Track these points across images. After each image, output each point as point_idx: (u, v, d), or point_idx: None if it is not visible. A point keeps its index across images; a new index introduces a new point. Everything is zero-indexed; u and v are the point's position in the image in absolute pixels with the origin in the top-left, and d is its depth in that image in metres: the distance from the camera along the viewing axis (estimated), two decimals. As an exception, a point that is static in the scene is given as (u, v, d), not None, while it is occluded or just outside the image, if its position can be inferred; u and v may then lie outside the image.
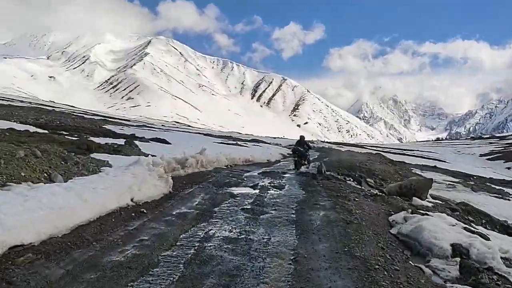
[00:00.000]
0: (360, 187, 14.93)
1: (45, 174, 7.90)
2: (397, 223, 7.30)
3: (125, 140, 14.68)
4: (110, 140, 15.14)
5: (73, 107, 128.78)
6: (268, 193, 10.57)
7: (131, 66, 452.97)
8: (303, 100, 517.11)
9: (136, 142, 18.10)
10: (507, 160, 65.60)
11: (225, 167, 17.11)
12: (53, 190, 6.71)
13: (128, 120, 66.32)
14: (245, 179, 13.46)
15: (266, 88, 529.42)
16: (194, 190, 10.29)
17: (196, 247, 5.86)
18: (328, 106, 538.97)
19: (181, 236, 6.36)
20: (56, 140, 12.09)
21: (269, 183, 12.57)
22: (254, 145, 35.18)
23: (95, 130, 20.24)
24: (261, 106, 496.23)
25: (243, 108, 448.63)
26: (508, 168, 59.16)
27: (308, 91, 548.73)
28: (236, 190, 10.83)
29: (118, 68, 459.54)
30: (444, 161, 58.67)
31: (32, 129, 16.42)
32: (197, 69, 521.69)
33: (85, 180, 7.93)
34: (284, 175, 15.22)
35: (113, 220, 6.83)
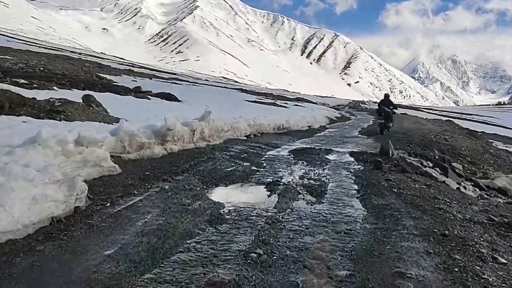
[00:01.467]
0: (455, 185, 9.48)
1: None
2: None
3: (84, 95, 9.83)
4: (74, 94, 10.35)
5: (122, 58, 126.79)
6: (293, 209, 5.31)
7: (181, 20, 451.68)
8: (355, 58, 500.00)
9: (127, 97, 13.19)
10: None
11: (244, 138, 11.97)
12: None
13: (165, 72, 61.92)
14: (263, 165, 8.24)
15: (316, 45, 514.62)
16: (146, 200, 5.17)
17: None
18: (381, 64, 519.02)
19: None
20: None
21: (301, 177, 7.30)
22: (296, 105, 29.55)
23: (80, 79, 15.44)
24: (311, 63, 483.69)
25: (292, 65, 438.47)
26: None
27: (360, 48, 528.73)
28: (232, 198, 5.65)
29: (169, 21, 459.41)
30: (507, 127, 51.39)
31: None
32: (247, 23, 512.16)
33: None
34: (329, 158, 9.82)
35: None
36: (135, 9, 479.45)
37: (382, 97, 18.72)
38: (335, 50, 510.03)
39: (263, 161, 8.61)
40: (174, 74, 72.74)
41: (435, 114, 61.73)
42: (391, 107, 17.89)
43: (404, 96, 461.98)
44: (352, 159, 9.82)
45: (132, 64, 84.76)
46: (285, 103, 29.61)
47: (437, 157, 12.45)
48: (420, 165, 10.63)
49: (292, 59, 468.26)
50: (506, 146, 24.46)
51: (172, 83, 29.47)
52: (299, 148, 11.03)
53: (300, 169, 8.03)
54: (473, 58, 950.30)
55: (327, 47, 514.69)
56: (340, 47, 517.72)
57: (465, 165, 12.92)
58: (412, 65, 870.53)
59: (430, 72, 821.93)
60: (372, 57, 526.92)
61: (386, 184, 6.98)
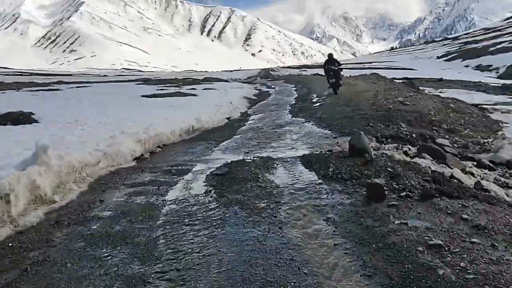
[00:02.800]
0: (469, 179, 5.93)
1: None
2: None
3: None
4: None
5: (6, 68, 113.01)
6: None
7: (68, 18, 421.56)
8: (254, 29, 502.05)
9: None
10: (464, 58, 64.86)
11: (130, 166, 7.45)
12: None
13: (51, 75, 53.54)
14: (149, 249, 3.89)
15: (215, 22, 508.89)
16: None
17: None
18: (280, 31, 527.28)
19: None
20: None
21: None
22: (206, 89, 24.96)
23: None
24: (212, 40, 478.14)
25: (194, 46, 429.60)
26: (466, 66, 58.58)
27: (258, 19, 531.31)
28: None
29: (54, 22, 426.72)
30: (412, 69, 51.88)
31: None
32: (139, 12, 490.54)
33: None
34: (275, 180, 5.64)
35: None
36: (13, 15, 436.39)
37: (326, 57, 18.58)
38: (234, 25, 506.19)
39: (151, 237, 4.21)
40: (66, 75, 64.35)
41: (347, 68, 60.30)
42: (337, 65, 17.57)
43: (307, 57, 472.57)
44: (314, 176, 5.75)
45: (21, 72, 74.49)
46: (192, 88, 24.91)
47: (414, 135, 8.88)
48: (407, 157, 6.92)
49: (193, 39, 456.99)
50: (440, 92, 22.05)
51: (49, 90, 23.41)
52: (221, 167, 6.70)
53: (233, 242, 3.83)
54: (363, 12, 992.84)
55: (225, 23, 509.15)
56: (238, 21, 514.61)
57: (446, 136, 9.52)
58: (309, 27, 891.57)
59: (326, 31, 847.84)
60: (270, 26, 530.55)
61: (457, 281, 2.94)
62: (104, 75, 76.11)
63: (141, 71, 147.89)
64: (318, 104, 15.23)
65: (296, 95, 20.98)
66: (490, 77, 42.75)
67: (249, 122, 13.20)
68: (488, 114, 13.76)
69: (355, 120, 10.45)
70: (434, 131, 9.70)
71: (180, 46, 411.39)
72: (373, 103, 12.45)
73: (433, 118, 10.44)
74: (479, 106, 15.60)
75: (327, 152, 7.23)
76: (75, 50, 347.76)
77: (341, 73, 18.17)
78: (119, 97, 18.66)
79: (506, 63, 47.34)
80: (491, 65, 51.58)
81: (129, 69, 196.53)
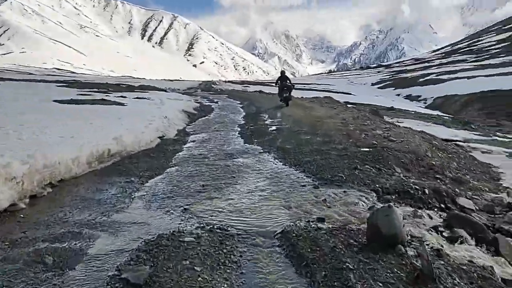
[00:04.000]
0: None
1: None
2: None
3: None
4: None
5: None
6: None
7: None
8: (197, 38, 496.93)
9: None
10: (396, 87, 67.03)
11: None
12: None
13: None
14: None
15: (156, 27, 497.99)
16: None
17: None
18: (223, 44, 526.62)
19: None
20: None
21: None
22: (139, 98, 21.42)
23: None
24: (153, 46, 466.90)
25: (134, 50, 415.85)
26: (398, 95, 59.73)
27: (201, 28, 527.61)
28: None
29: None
30: (350, 93, 52.08)
31: None
32: (76, 8, 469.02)
33: None
34: None
35: None
36: None
37: (279, 74, 20.46)
38: (176, 31, 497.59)
39: None
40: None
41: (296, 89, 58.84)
42: (288, 81, 19.78)
43: (248, 73, 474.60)
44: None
45: None
46: (122, 96, 21.30)
47: (426, 190, 6.28)
48: (454, 248, 4.31)
49: (133, 43, 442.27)
50: (397, 121, 20.30)
51: None
52: (139, 260, 3.61)
53: None
54: (303, 32, 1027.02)
55: (168, 29, 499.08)
56: (180, 28, 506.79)
57: (456, 189, 7.08)
58: (251, 42, 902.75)
59: (268, 48, 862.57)
60: (213, 37, 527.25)
61: None
62: (30, 74, 69.27)
63: (75, 72, 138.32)
64: (274, 127, 12.45)
65: (244, 114, 18.16)
66: (420, 106, 43.85)
67: (188, 145, 10.12)
68: (468, 153, 11.80)
69: (333, 158, 7.77)
70: (439, 181, 7.25)
71: (119, 50, 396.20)
72: (348, 135, 9.87)
73: (433, 162, 8.00)
74: (452, 142, 13.78)
75: (321, 227, 4.40)
76: (3, 44, 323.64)
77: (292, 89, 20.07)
78: (22, 101, 14.75)
79: (434, 95, 48.84)
80: (420, 96, 53.09)
81: (61, 69, 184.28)
